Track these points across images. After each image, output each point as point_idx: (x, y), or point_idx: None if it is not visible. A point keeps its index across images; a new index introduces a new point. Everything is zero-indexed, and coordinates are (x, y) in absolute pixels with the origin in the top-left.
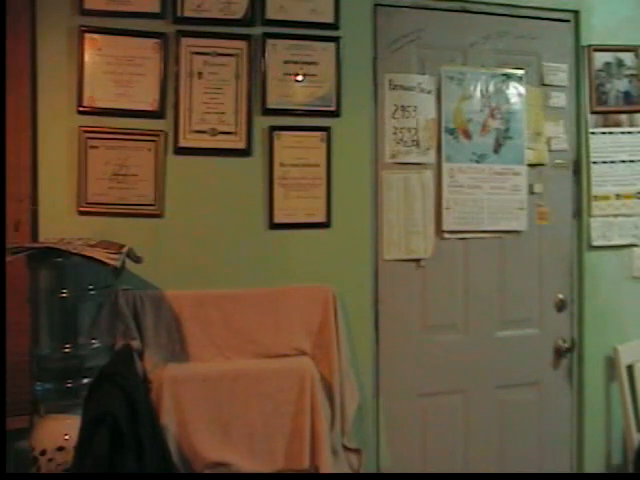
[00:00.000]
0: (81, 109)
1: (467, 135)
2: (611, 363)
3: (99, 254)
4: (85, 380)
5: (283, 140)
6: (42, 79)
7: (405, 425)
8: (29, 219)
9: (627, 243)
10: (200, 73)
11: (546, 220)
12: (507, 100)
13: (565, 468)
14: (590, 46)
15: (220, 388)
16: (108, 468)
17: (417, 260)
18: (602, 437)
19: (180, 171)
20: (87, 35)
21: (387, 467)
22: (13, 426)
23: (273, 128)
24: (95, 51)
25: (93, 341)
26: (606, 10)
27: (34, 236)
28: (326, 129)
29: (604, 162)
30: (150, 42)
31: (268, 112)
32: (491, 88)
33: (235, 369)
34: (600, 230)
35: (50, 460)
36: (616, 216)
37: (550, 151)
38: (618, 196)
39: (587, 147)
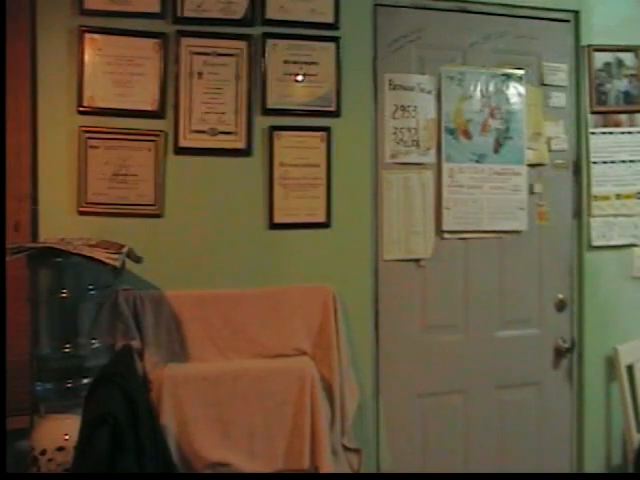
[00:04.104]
0: (81, 109)
1: (467, 135)
2: (611, 363)
3: (99, 254)
4: (85, 380)
5: (283, 140)
6: (42, 79)
7: (405, 425)
8: (29, 219)
9: (627, 243)
10: (200, 73)
11: (546, 220)
12: (507, 100)
13: (565, 468)
14: (590, 46)
15: (220, 388)
16: (108, 468)
17: (417, 260)
18: (602, 437)
19: (180, 171)
20: (87, 35)
21: (387, 467)
22: (13, 426)
23: (273, 128)
24: (95, 51)
25: (93, 341)
26: (606, 10)
27: (34, 236)
28: (326, 129)
29: (604, 162)
30: (150, 42)
31: (268, 112)
32: (491, 88)
33: (235, 369)
34: (600, 230)
35: (50, 460)
36: (616, 216)
37: (550, 151)
38: (618, 196)
39: (587, 147)
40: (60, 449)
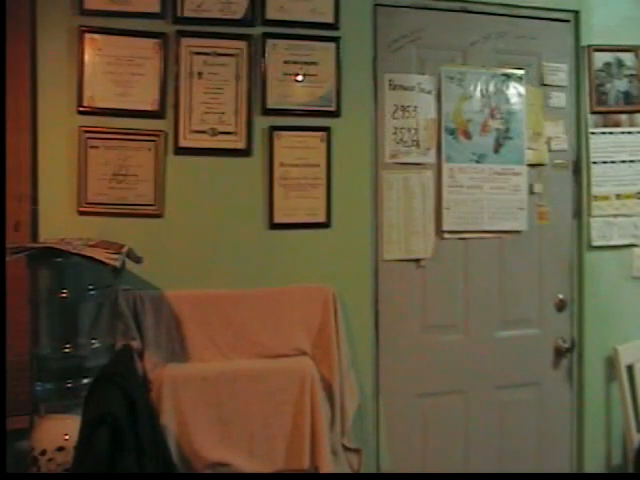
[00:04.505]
0: (81, 109)
1: (467, 135)
2: (611, 363)
3: (99, 254)
4: (85, 380)
5: (283, 140)
6: (42, 79)
7: (405, 425)
8: (29, 219)
9: (627, 243)
10: (200, 73)
11: (546, 220)
12: (507, 100)
13: (565, 468)
14: (590, 46)
15: (220, 388)
16: (108, 468)
17: (417, 260)
18: (602, 437)
19: (180, 171)
20: (87, 35)
21: (387, 467)
22: (13, 426)
23: (273, 128)
24: (95, 51)
25: (93, 341)
26: (606, 10)
27: (34, 236)
28: (326, 129)
29: (604, 162)
30: (150, 42)
31: (268, 112)
32: (491, 88)
33: (235, 369)
34: (600, 230)
35: (50, 460)
36: (616, 216)
37: (550, 151)
38: (618, 196)
39: (587, 147)
40: (60, 449)
